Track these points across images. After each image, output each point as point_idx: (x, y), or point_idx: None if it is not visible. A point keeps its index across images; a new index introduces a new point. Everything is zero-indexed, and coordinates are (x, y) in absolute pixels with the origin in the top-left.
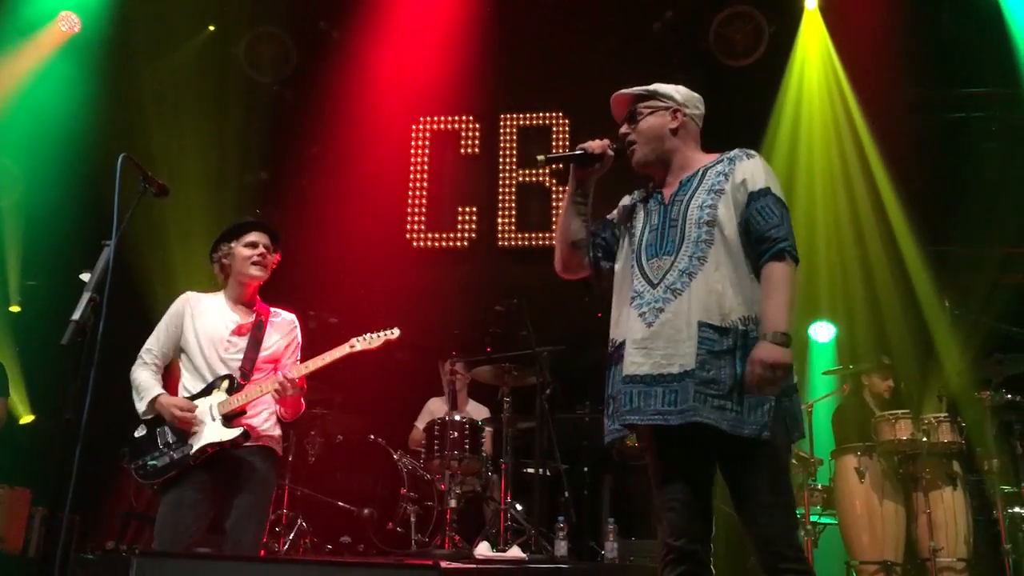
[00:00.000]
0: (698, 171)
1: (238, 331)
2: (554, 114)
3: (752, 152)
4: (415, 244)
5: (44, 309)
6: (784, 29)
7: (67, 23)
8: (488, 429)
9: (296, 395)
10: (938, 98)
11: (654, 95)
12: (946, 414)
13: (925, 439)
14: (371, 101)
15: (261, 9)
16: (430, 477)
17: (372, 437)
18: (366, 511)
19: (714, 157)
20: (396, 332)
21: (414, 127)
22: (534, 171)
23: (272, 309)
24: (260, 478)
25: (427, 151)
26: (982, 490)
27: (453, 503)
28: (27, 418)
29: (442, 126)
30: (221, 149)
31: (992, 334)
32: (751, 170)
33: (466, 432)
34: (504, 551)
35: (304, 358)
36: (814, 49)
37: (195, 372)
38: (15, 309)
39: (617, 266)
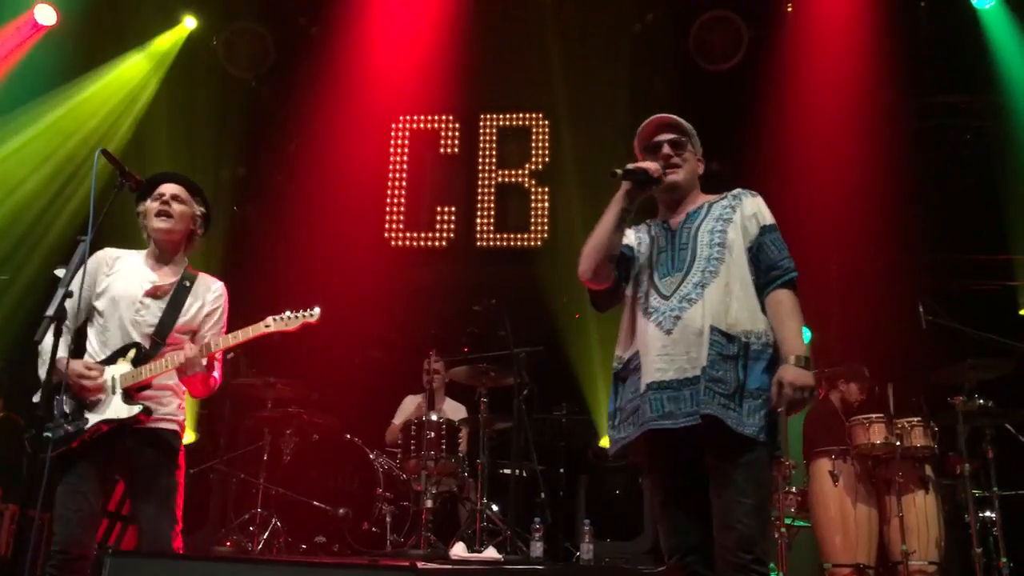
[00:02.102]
0: (703, 205)
1: (154, 292)
2: (534, 115)
3: (755, 192)
4: (393, 243)
5: (15, 305)
6: (763, 34)
7: (44, 15)
8: (464, 429)
9: (202, 373)
10: (915, 105)
11: (693, 139)
12: (919, 418)
13: (898, 443)
14: (350, 99)
15: (240, 4)
16: (406, 477)
17: (348, 436)
18: (341, 511)
19: (715, 196)
20: (316, 313)
21: (393, 126)
22: (513, 172)
23: (200, 274)
24: (160, 461)
25: (406, 150)
26: (954, 494)
27: (429, 503)
28: None
29: (421, 125)
30: (198, 144)
31: (965, 340)
32: (760, 206)
33: (442, 432)
34: (480, 552)
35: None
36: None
37: (102, 336)
38: None
39: (629, 289)
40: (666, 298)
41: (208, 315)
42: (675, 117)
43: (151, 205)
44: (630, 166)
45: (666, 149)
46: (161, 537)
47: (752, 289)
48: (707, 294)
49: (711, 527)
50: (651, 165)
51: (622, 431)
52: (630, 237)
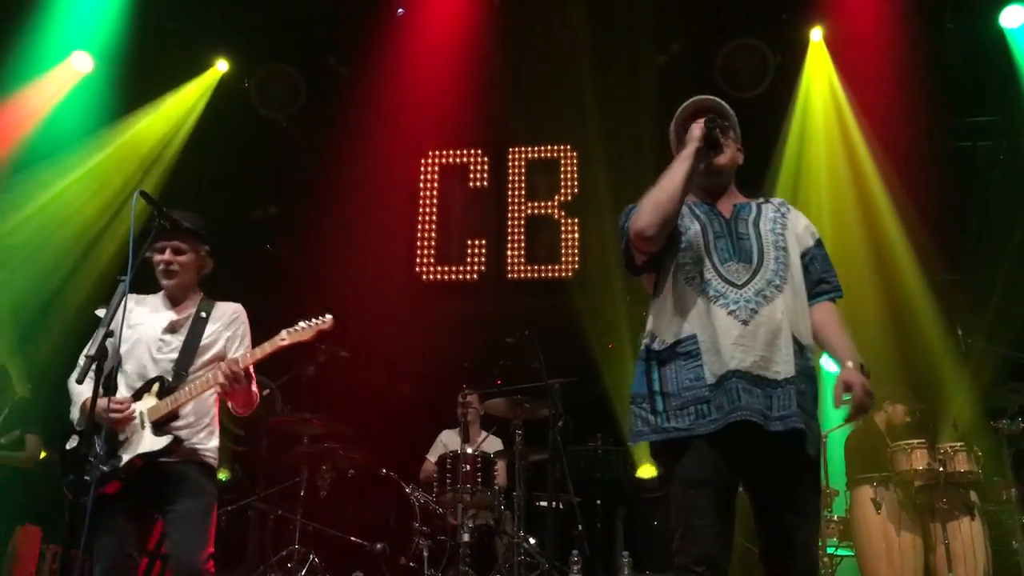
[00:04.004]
0: (750, 204)
1: (171, 328)
2: (562, 147)
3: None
4: (424, 277)
5: (56, 346)
6: (789, 61)
7: (80, 62)
8: (501, 462)
9: (244, 387)
10: (944, 127)
11: (735, 127)
12: (962, 443)
13: (941, 469)
14: (380, 135)
15: (271, 46)
16: (442, 511)
17: (384, 471)
18: (379, 546)
19: (755, 199)
20: (328, 319)
21: (423, 161)
22: (542, 203)
23: (217, 302)
24: (193, 488)
25: (436, 184)
26: (1000, 520)
27: (466, 537)
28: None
29: (451, 160)
30: (232, 184)
31: (1005, 362)
32: (807, 220)
33: (478, 465)
34: None
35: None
36: (819, 80)
37: (128, 377)
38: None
39: (666, 261)
40: (737, 287)
41: (230, 338)
42: (717, 100)
43: (154, 258)
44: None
45: (716, 133)
46: (189, 561)
47: (806, 302)
48: (782, 299)
49: (729, 543)
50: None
51: (678, 420)
52: None
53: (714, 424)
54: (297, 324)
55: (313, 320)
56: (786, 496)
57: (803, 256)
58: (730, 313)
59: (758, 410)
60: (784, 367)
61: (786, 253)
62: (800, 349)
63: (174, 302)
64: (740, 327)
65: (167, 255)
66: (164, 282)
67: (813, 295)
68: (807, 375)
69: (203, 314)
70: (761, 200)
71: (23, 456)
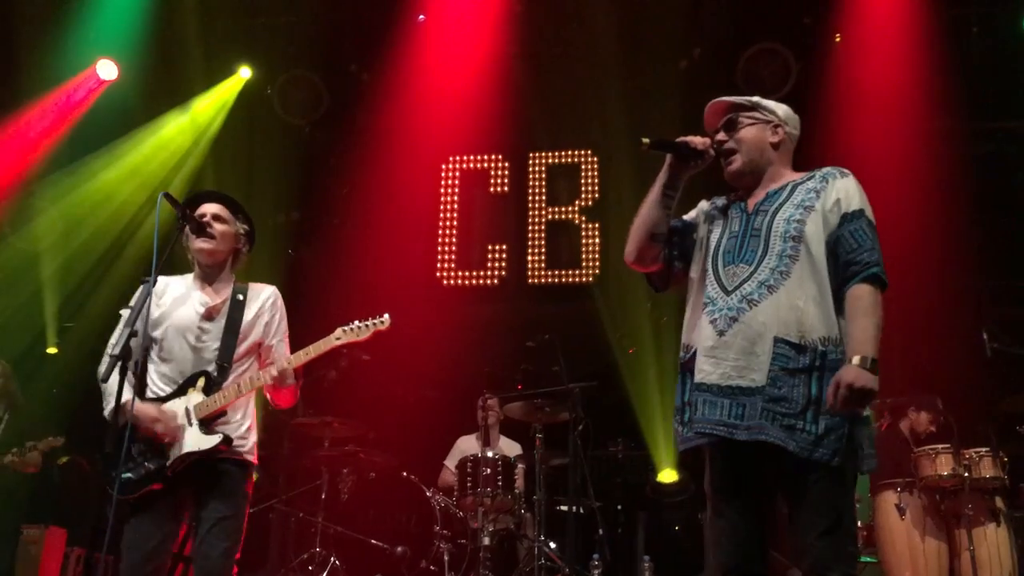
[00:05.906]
0: (786, 185)
1: (208, 314)
2: (583, 152)
3: (847, 171)
4: (445, 282)
5: (81, 351)
6: (812, 64)
7: (105, 69)
8: (521, 466)
9: (291, 385)
10: (971, 131)
11: (757, 107)
12: (987, 449)
13: (967, 474)
14: (401, 142)
15: (294, 53)
16: (463, 515)
17: (405, 474)
18: (399, 549)
19: (803, 174)
20: (387, 320)
21: (444, 166)
22: (563, 209)
23: (251, 284)
24: (227, 489)
25: (457, 190)
26: None
27: (486, 541)
28: (63, 458)
29: (471, 165)
30: (254, 190)
31: None
32: (845, 189)
33: (499, 469)
34: None
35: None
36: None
37: (164, 367)
38: (52, 351)
39: (693, 271)
40: (727, 292)
41: (267, 324)
42: (722, 99)
43: (192, 227)
44: (678, 140)
45: (719, 136)
46: (217, 565)
47: (831, 290)
48: (775, 299)
49: (756, 544)
50: (696, 139)
51: (685, 431)
52: (699, 210)
53: (690, 439)
54: (352, 323)
55: (370, 320)
56: (791, 496)
57: (828, 241)
58: (711, 323)
59: (718, 421)
60: (758, 375)
61: (797, 243)
62: (796, 350)
63: (206, 280)
64: (715, 338)
65: (207, 217)
66: (200, 245)
67: (844, 281)
68: (799, 373)
69: (240, 296)
70: (806, 177)
71: (18, 462)
